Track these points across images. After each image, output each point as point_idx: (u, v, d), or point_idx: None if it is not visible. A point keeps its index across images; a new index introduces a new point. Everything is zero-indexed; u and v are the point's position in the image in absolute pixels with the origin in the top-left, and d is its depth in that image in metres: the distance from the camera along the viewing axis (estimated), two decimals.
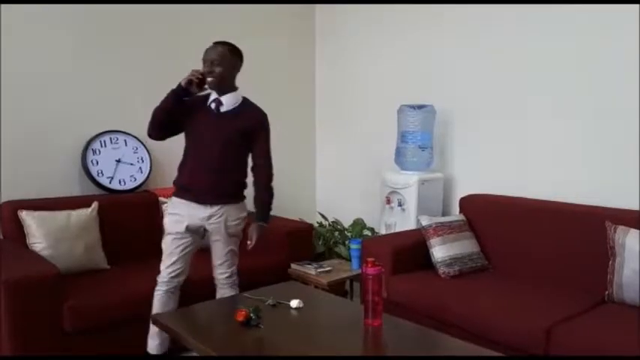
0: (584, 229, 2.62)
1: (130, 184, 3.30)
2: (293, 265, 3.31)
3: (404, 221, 3.32)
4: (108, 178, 3.22)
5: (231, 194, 2.50)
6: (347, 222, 3.86)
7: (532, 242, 2.81)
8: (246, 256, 3.23)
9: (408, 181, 3.29)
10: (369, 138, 4.02)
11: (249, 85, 4.00)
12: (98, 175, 3.19)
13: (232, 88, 2.50)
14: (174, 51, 3.55)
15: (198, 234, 2.51)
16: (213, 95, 2.49)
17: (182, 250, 2.48)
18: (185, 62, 3.61)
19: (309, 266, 3.26)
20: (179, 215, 2.46)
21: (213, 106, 2.47)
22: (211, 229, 2.48)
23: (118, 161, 3.26)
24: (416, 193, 3.26)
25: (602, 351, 1.99)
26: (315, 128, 4.49)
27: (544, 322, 2.20)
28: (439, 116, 3.42)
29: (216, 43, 2.46)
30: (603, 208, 2.65)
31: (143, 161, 3.36)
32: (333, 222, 3.91)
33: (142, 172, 3.35)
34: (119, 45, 3.34)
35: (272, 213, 3.72)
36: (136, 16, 3.39)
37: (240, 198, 2.56)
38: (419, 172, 3.34)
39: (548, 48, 2.98)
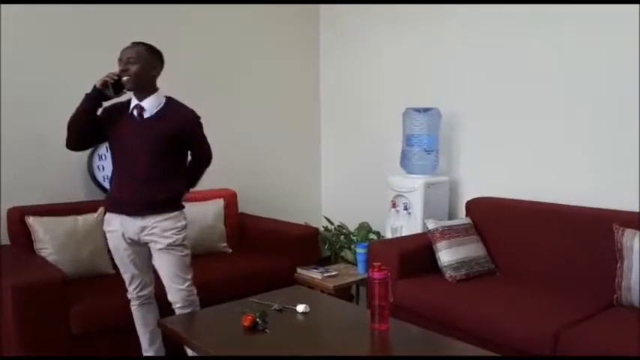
0: (592, 232, 2.60)
1: None
2: (299, 270, 3.31)
3: (410, 225, 3.31)
4: None
5: (163, 204, 2.30)
6: (353, 226, 3.85)
7: (539, 245, 2.79)
8: (252, 261, 3.26)
9: (414, 184, 3.28)
10: (374, 141, 4.01)
11: (254, 87, 4.06)
12: (104, 180, 3.20)
13: (153, 90, 2.32)
14: (179, 53, 3.55)
15: (141, 245, 2.37)
16: (134, 101, 2.32)
17: (135, 264, 2.39)
18: (190, 63, 3.69)
19: (315, 271, 3.25)
20: (115, 231, 2.35)
21: (135, 113, 2.30)
22: (150, 243, 2.33)
23: None
24: (422, 196, 3.25)
25: (610, 355, 1.97)
26: (320, 131, 4.49)
27: (552, 326, 2.19)
28: (445, 119, 3.41)
29: (133, 43, 2.30)
30: (611, 210, 2.63)
31: None
32: (338, 226, 3.90)
33: None
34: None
35: (277, 217, 3.76)
36: (141, 19, 3.39)
37: (175, 207, 2.35)
38: (425, 175, 3.33)
39: (555, 49, 2.96)
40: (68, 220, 2.84)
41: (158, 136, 2.27)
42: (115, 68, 2.29)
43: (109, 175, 3.19)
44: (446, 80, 3.51)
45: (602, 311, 2.35)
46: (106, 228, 2.41)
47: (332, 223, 3.95)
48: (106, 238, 2.47)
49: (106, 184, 3.19)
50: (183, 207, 2.41)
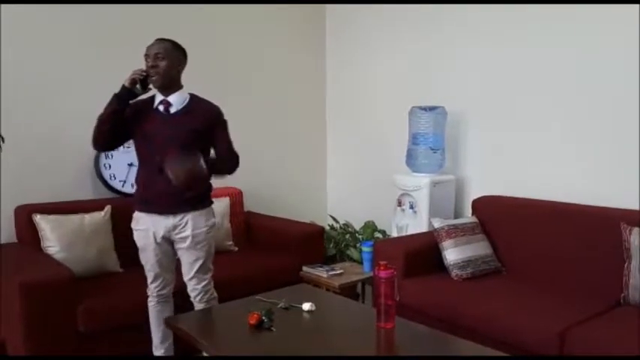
0: (599, 231, 2.58)
1: None
2: (305, 268, 3.31)
3: (416, 223, 3.30)
4: (120, 181, 3.25)
5: (193, 200, 2.32)
6: (358, 224, 3.85)
7: (546, 244, 2.78)
8: (257, 259, 3.26)
9: (420, 183, 3.27)
10: (380, 140, 4.01)
11: (260, 85, 4.06)
12: (111, 178, 3.22)
13: (178, 86, 2.34)
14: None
15: (169, 243, 2.39)
16: (159, 97, 2.32)
17: (161, 263, 2.40)
18: (196, 63, 3.67)
19: (321, 269, 3.25)
20: (145, 230, 2.35)
21: (161, 108, 2.31)
22: (177, 241, 2.34)
23: (131, 165, 3.28)
24: (428, 195, 3.24)
25: (617, 354, 1.96)
26: (326, 130, 4.49)
27: (558, 326, 2.18)
28: (450, 117, 3.41)
29: (159, 39, 2.29)
30: (618, 209, 2.62)
31: None
32: (344, 224, 3.91)
33: None
34: (131, 49, 3.35)
35: (283, 216, 3.77)
36: (145, 19, 3.39)
37: (206, 203, 2.39)
38: (430, 173, 3.32)
39: (561, 48, 2.95)
40: (75, 219, 2.85)
41: (187, 130, 2.28)
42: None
43: (116, 173, 3.23)
44: (452, 79, 3.50)
45: (609, 310, 2.34)
46: (134, 226, 2.41)
47: (337, 222, 3.95)
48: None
49: (113, 183, 3.21)
50: (212, 202, 2.43)
